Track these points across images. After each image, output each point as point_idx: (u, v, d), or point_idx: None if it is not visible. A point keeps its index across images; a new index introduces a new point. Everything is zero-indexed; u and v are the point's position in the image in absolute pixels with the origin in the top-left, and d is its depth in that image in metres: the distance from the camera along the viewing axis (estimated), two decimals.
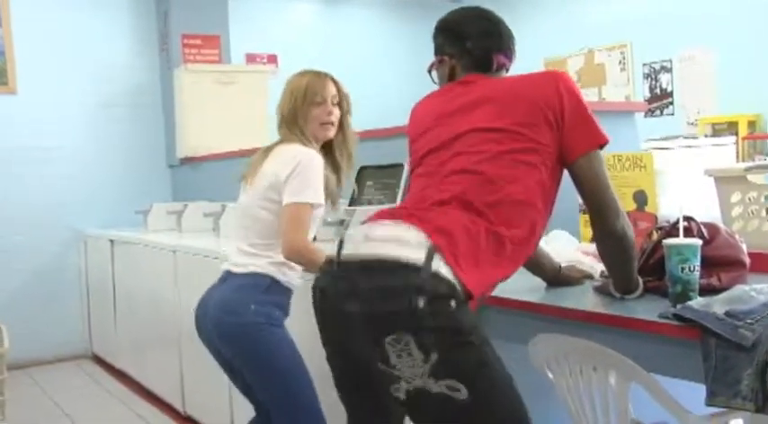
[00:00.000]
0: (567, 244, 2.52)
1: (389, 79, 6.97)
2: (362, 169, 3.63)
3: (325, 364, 1.92)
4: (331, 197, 2.52)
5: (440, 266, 1.62)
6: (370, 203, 3.51)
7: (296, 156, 2.39)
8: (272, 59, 6.78)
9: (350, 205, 3.53)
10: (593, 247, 2.45)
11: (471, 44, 2.00)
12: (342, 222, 3.06)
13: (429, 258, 1.62)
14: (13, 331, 4.01)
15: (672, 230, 1.99)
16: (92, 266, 5.54)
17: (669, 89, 6.22)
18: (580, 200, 2.49)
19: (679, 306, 1.70)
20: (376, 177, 3.54)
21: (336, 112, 2.55)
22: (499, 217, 1.75)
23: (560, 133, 1.83)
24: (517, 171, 1.79)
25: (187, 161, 5.62)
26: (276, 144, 2.53)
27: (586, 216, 2.56)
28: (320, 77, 2.54)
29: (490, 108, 1.87)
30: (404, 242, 1.65)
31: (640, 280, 1.98)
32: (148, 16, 6.01)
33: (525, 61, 7.30)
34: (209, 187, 5.16)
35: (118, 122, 5.86)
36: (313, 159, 2.41)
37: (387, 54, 7.14)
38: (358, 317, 1.67)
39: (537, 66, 6.73)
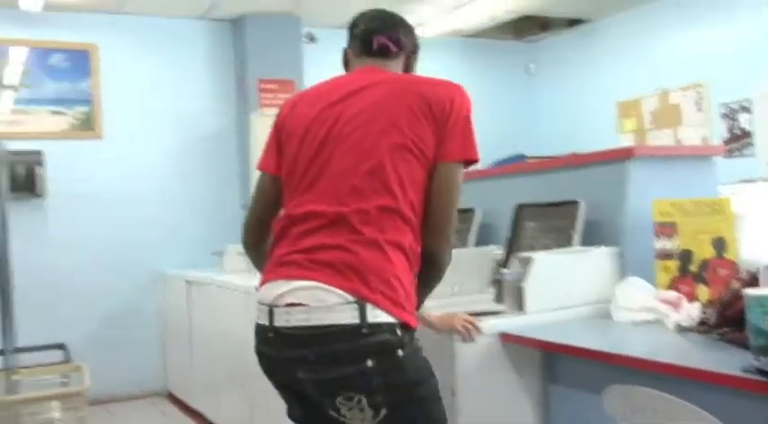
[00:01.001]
0: (643, 291, 2.47)
1: None
2: None
3: None
4: None
5: (375, 315, 1.67)
6: None
7: None
8: None
9: None
10: (670, 294, 2.41)
11: (358, 29, 2.07)
12: None
13: (363, 314, 1.66)
14: (94, 368, 4.14)
15: (753, 279, 1.94)
16: (169, 306, 5.67)
17: (748, 129, 6.07)
18: (657, 246, 2.47)
19: (763, 360, 1.65)
20: None
21: None
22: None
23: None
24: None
25: None
26: None
27: (664, 262, 2.52)
28: None
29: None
30: (331, 306, 1.67)
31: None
32: (226, 63, 6.21)
33: (597, 103, 7.22)
34: None
35: (195, 166, 6.03)
36: None
37: None
38: (309, 382, 1.73)
39: (609, 109, 6.67)
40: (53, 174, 5.54)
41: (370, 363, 1.66)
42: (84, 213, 5.71)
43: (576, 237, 2.72)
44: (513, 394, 2.41)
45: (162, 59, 6.01)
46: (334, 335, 1.67)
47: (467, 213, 3.41)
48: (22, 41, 5.59)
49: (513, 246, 2.98)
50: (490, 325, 2.39)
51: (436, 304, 2.75)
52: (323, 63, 7.10)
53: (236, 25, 6.17)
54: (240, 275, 4.84)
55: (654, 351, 2.05)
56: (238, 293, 4.22)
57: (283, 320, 1.73)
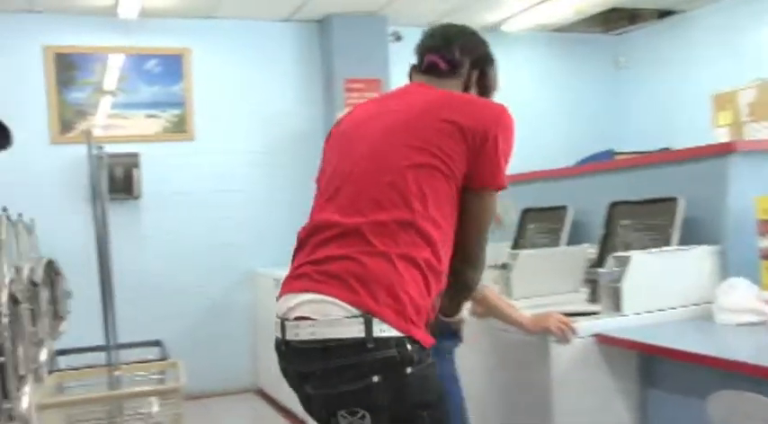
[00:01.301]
0: (747, 292, 2.37)
1: (546, 119, 6.90)
2: (525, 212, 3.60)
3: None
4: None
5: (381, 330, 1.63)
6: (533, 245, 3.46)
7: None
8: None
9: (513, 247, 3.50)
10: None
11: (417, 46, 2.07)
12: (504, 266, 3.03)
13: (368, 328, 1.63)
14: (187, 364, 4.25)
15: None
16: (259, 304, 5.78)
17: None
18: (761, 245, 2.37)
19: None
20: (539, 220, 3.49)
21: None
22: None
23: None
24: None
25: None
26: None
27: None
28: None
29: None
30: (336, 320, 1.65)
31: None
32: (313, 63, 6.26)
33: (690, 96, 6.99)
34: None
35: (283, 166, 6.11)
36: None
37: (542, 94, 7.08)
38: (316, 398, 1.71)
39: (703, 102, 6.44)
40: (148, 176, 5.70)
41: (376, 379, 1.62)
42: (177, 213, 5.86)
43: (675, 236, 2.63)
44: (608, 397, 2.35)
45: (251, 61, 6.11)
46: (339, 350, 1.64)
47: (558, 211, 3.35)
48: (119, 49, 5.77)
49: (607, 245, 2.91)
50: (586, 326, 2.34)
51: (528, 305, 2.73)
52: (409, 61, 7.09)
53: (323, 25, 6.22)
54: None
55: (760, 355, 1.97)
56: None
57: (293, 333, 1.72)
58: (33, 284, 3.37)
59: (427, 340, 1.71)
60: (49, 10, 5.55)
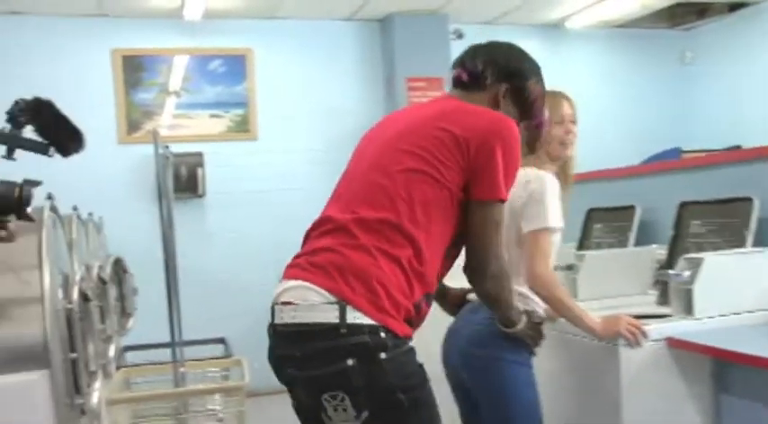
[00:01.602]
0: None
1: (609, 117, 6.76)
2: (591, 211, 3.52)
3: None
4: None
5: (355, 317, 1.71)
6: (599, 246, 3.39)
7: (530, 181, 2.28)
8: None
9: (578, 248, 3.43)
10: None
11: None
12: (570, 267, 2.96)
13: (342, 314, 1.70)
14: (250, 361, 4.28)
15: None
16: None
17: None
18: None
19: None
20: (605, 220, 3.42)
21: (575, 131, 2.48)
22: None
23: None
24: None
25: None
26: None
27: None
28: (556, 96, 2.46)
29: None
30: (314, 305, 1.73)
31: (523, 317, 2.11)
32: (374, 62, 6.26)
33: (761, 91, 6.74)
34: None
35: (343, 164, 6.06)
36: (546, 181, 2.29)
37: (605, 91, 6.94)
38: (297, 381, 1.79)
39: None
40: (212, 175, 5.77)
41: (350, 362, 1.70)
42: (241, 211, 5.91)
43: (750, 237, 2.54)
44: (680, 403, 2.29)
45: (312, 61, 6.13)
46: (315, 333, 1.73)
47: (626, 210, 3.27)
48: (184, 50, 5.85)
49: (677, 246, 2.83)
50: (657, 329, 2.28)
51: (595, 306, 2.66)
52: None
53: (384, 24, 6.21)
54: None
55: None
56: None
57: (279, 317, 1.81)
58: (102, 281, 3.43)
59: (403, 329, 1.76)
60: (117, 14, 5.66)
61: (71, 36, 5.68)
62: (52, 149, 2.03)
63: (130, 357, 4.59)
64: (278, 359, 1.85)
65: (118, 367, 3.80)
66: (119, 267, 4.26)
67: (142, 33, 5.78)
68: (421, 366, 1.80)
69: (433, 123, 1.88)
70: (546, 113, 2.17)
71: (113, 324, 3.45)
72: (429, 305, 1.89)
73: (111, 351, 3.49)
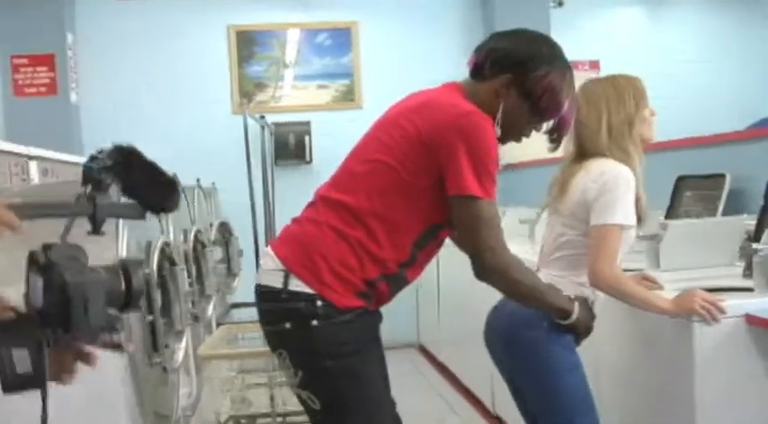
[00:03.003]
0: None
1: (712, 81, 6.27)
2: (680, 179, 3.23)
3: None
4: (642, 215, 2.16)
5: (297, 285, 1.76)
6: (687, 215, 3.11)
7: (604, 173, 2.06)
8: (595, 65, 6.43)
9: (666, 217, 3.16)
10: None
11: None
12: (654, 236, 2.72)
13: (285, 281, 1.76)
14: None
15: None
16: None
17: None
18: None
19: None
20: (695, 188, 3.12)
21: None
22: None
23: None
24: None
25: (509, 167, 5.54)
26: (587, 157, 2.15)
27: None
28: (637, 79, 2.20)
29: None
30: (268, 271, 1.81)
31: (575, 304, 1.98)
32: (475, 31, 6.01)
33: None
34: (529, 193, 5.02)
35: None
36: (620, 177, 2.06)
37: (707, 56, 6.42)
38: (264, 333, 1.93)
39: None
40: (319, 142, 5.74)
41: (287, 325, 1.77)
42: None
43: None
44: (759, 384, 2.04)
45: (415, 32, 5.98)
46: (265, 295, 1.83)
47: (716, 179, 2.97)
48: (293, 24, 5.83)
49: (767, 218, 2.53)
50: (735, 305, 2.03)
51: (676, 277, 2.43)
52: (570, 27, 6.71)
53: None
54: None
55: None
56: None
57: (256, 278, 1.90)
58: (203, 245, 3.46)
59: (343, 301, 1.76)
60: None
61: (190, 15, 5.76)
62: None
63: (238, 314, 4.65)
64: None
65: (219, 324, 3.84)
66: (225, 230, 4.31)
67: (254, 9, 5.80)
68: (360, 337, 1.80)
69: (407, 114, 1.81)
70: (566, 106, 1.89)
71: (213, 285, 3.48)
72: (391, 286, 1.85)
73: (210, 309, 3.54)
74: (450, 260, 5.06)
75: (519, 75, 1.82)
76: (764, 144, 2.89)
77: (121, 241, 2.04)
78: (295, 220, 1.92)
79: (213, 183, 4.96)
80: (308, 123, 5.72)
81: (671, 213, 3.18)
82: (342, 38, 5.86)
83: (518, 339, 2.15)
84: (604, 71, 6.35)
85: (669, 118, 5.81)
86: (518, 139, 1.94)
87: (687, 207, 3.12)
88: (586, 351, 2.29)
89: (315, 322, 1.74)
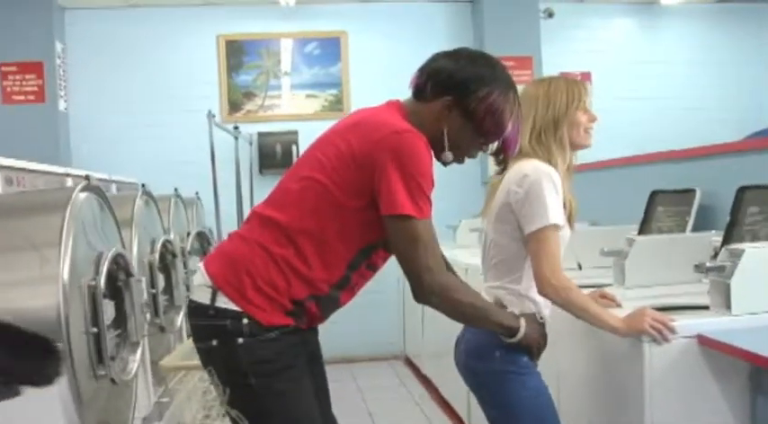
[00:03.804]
0: None
1: (708, 95, 6.21)
2: (654, 194, 3.18)
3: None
4: (572, 219, 2.09)
5: (224, 302, 1.73)
6: (660, 230, 3.06)
7: (527, 176, 1.99)
8: (586, 77, 6.37)
9: (639, 232, 3.11)
10: None
11: None
12: (620, 252, 2.67)
13: (213, 298, 1.74)
14: (342, 329, 4.21)
15: None
16: None
17: None
18: None
19: None
20: (667, 203, 3.08)
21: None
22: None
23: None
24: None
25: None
26: (517, 157, 2.04)
27: None
28: (578, 83, 2.15)
29: None
30: (198, 286, 1.80)
31: (521, 320, 1.91)
32: (465, 43, 5.95)
33: None
34: None
35: None
36: (544, 177, 1.97)
37: (699, 67, 6.35)
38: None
39: None
40: None
41: (215, 343, 1.74)
42: None
43: None
44: (712, 406, 1.97)
45: (404, 42, 5.93)
46: (194, 310, 1.81)
47: (687, 194, 2.93)
48: (281, 34, 5.82)
49: (732, 234, 2.49)
50: (686, 325, 1.97)
51: (637, 295, 2.39)
52: (560, 39, 6.67)
53: (475, 5, 5.93)
54: (469, 250, 4.66)
55: None
56: (458, 268, 4.03)
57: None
58: (172, 255, 3.43)
59: (269, 319, 1.73)
60: (221, 2, 5.68)
61: (181, 24, 5.78)
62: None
63: None
64: None
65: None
66: (203, 239, 4.28)
67: (243, 19, 5.80)
68: (286, 355, 1.76)
69: (343, 132, 1.78)
70: (510, 128, 1.84)
71: (182, 295, 3.45)
72: (320, 307, 1.80)
73: (179, 320, 3.50)
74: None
75: (460, 96, 1.78)
76: (733, 158, 2.84)
77: (64, 255, 2.00)
78: (230, 236, 1.90)
79: (197, 193, 4.94)
80: (295, 132, 5.70)
81: (644, 228, 3.13)
82: (331, 47, 5.84)
83: (473, 371, 2.10)
84: (596, 83, 6.31)
85: (661, 130, 5.81)
86: (461, 161, 1.90)
87: (659, 223, 3.07)
88: (549, 369, 2.24)
89: (240, 340, 1.72)
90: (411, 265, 1.74)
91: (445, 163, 1.87)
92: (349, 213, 1.75)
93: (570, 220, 2.08)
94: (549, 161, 2.05)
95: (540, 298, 2.03)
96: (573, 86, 2.12)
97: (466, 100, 1.78)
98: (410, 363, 5.57)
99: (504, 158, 1.93)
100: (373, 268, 1.88)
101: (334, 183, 1.73)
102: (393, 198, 1.68)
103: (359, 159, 1.71)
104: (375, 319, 5.79)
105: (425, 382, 4.98)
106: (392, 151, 1.68)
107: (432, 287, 1.75)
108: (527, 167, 2.02)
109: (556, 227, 1.96)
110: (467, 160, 1.92)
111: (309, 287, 1.76)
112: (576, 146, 2.13)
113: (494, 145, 1.89)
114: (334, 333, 5.91)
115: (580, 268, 2.81)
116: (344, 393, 4.81)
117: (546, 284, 1.96)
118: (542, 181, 1.97)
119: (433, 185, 1.74)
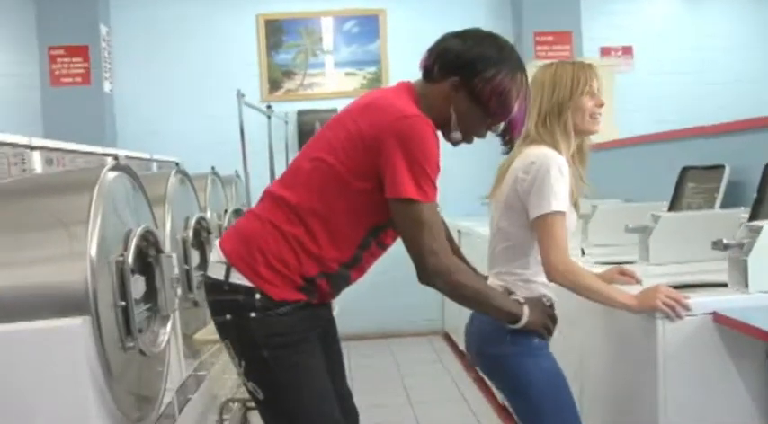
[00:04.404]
0: None
1: (743, 68, 6.02)
2: (685, 170, 3.13)
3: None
4: (576, 204, 2.10)
5: (237, 278, 1.79)
6: (689, 207, 3.01)
7: (534, 162, 1.99)
8: (627, 51, 6.24)
9: (669, 208, 3.07)
10: None
11: None
12: (645, 229, 2.65)
13: (227, 274, 1.80)
14: (383, 305, 4.25)
15: None
16: None
17: None
18: None
19: None
20: (697, 179, 3.02)
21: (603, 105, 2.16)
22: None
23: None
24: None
25: None
26: (525, 142, 2.07)
27: None
28: (586, 66, 2.13)
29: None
30: (213, 263, 1.87)
31: (524, 307, 1.92)
32: (504, 18, 5.93)
33: None
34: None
35: None
36: (551, 163, 1.97)
37: (743, 42, 6.15)
38: None
39: None
40: None
41: (228, 317, 1.82)
42: None
43: None
44: (726, 382, 1.97)
45: (442, 18, 5.83)
46: (210, 286, 1.88)
47: (716, 170, 2.87)
48: (321, 12, 5.84)
49: (758, 211, 2.44)
50: (700, 303, 1.96)
51: (660, 272, 2.37)
52: (601, 13, 6.54)
53: None
54: None
55: None
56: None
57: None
58: (208, 232, 3.51)
59: (280, 294, 1.79)
60: None
61: (219, 5, 5.84)
62: None
63: None
64: None
65: None
66: (240, 217, 4.35)
67: None
68: (297, 329, 1.81)
69: (354, 114, 1.81)
70: (516, 109, 1.84)
71: None
72: (331, 284, 1.86)
73: None
74: (468, 247, 5.04)
75: (467, 77, 1.79)
76: (763, 134, 2.77)
77: (92, 232, 2.08)
78: (245, 214, 1.96)
79: (236, 171, 5.03)
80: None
81: (674, 204, 3.09)
82: (369, 25, 5.85)
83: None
84: (638, 58, 6.19)
85: (701, 104, 5.66)
86: (469, 140, 1.90)
87: (689, 199, 3.02)
88: (571, 348, 2.25)
89: (253, 314, 1.78)
90: (415, 248, 1.76)
91: (454, 144, 1.89)
92: (357, 194, 1.78)
93: (576, 206, 2.08)
94: (554, 147, 2.04)
95: (548, 283, 2.04)
96: (579, 71, 2.10)
97: (472, 80, 1.79)
98: (448, 338, 5.61)
99: (509, 139, 1.93)
100: (383, 246, 1.91)
101: (343, 165, 1.77)
102: (398, 181, 1.71)
103: (367, 142, 1.74)
104: (415, 295, 5.80)
105: (462, 357, 5.01)
106: (398, 135, 1.70)
107: (436, 268, 1.77)
108: (534, 153, 2.02)
109: (562, 214, 1.97)
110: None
111: (320, 265, 1.81)
112: (581, 132, 2.11)
113: (498, 127, 1.89)
114: (374, 309, 6.08)
115: (583, 253, 2.78)
116: (381, 368, 4.89)
117: (553, 270, 1.97)
118: (549, 168, 1.97)
119: (438, 170, 1.75)
